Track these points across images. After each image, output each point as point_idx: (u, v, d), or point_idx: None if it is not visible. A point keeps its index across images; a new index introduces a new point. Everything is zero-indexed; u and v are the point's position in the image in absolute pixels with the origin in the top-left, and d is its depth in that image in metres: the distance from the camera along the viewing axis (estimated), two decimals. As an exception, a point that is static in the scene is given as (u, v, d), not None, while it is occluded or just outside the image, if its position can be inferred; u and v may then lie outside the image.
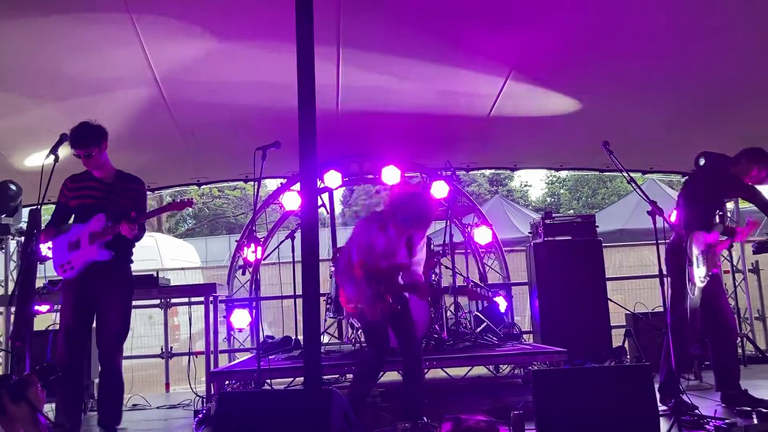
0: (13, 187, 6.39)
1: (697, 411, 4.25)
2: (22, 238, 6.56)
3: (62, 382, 4.16)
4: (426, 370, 6.07)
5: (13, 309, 6.15)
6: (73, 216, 4.48)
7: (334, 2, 4.87)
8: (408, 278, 4.57)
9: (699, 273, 4.57)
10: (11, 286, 6.65)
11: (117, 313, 4.41)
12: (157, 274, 6.05)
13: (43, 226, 4.34)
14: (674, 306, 4.60)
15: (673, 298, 4.66)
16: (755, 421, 4.03)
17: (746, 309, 7.73)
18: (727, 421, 4.00)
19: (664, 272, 4.37)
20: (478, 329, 6.53)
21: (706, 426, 3.98)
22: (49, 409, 4.76)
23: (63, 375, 4.21)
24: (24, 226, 6.45)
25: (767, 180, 4.82)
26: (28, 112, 5.85)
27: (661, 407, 4.24)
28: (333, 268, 6.59)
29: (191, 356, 6.57)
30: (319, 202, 7.45)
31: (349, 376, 6.11)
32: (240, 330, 7.34)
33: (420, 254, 4.60)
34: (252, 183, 6.51)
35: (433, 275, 6.48)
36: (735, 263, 7.72)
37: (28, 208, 6.47)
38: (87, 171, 4.49)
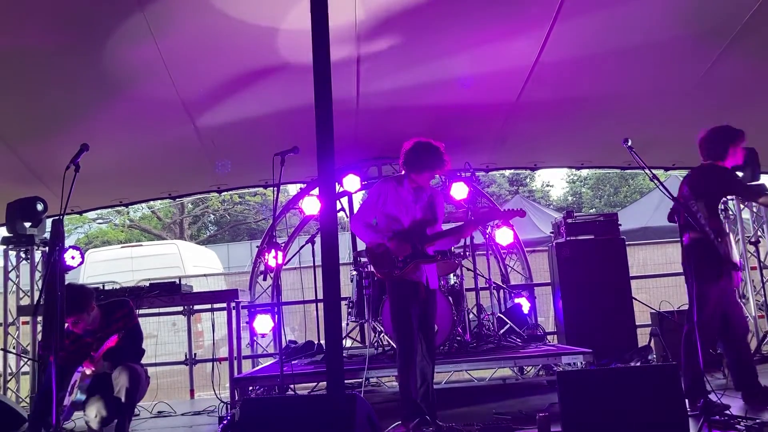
0: (39, 206, 6.51)
1: (727, 412, 4.16)
2: (47, 248, 6.64)
3: None
4: (450, 373, 6.07)
5: (40, 318, 6.25)
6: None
7: (352, 3, 4.87)
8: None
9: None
10: (37, 295, 6.74)
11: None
12: (180, 281, 6.09)
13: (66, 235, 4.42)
14: (701, 307, 4.49)
15: (700, 299, 4.55)
16: (788, 419, 3.94)
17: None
18: (758, 420, 3.91)
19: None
20: (502, 331, 6.48)
21: (737, 426, 3.89)
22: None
23: None
24: (48, 236, 6.53)
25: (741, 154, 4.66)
26: (52, 118, 5.92)
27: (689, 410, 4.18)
28: (354, 272, 6.59)
29: (215, 362, 6.60)
30: (339, 207, 7.46)
31: (373, 380, 6.11)
32: (263, 335, 7.36)
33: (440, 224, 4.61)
34: (272, 188, 6.53)
35: (455, 278, 6.45)
36: (763, 260, 7.58)
37: (51, 219, 6.56)
38: None
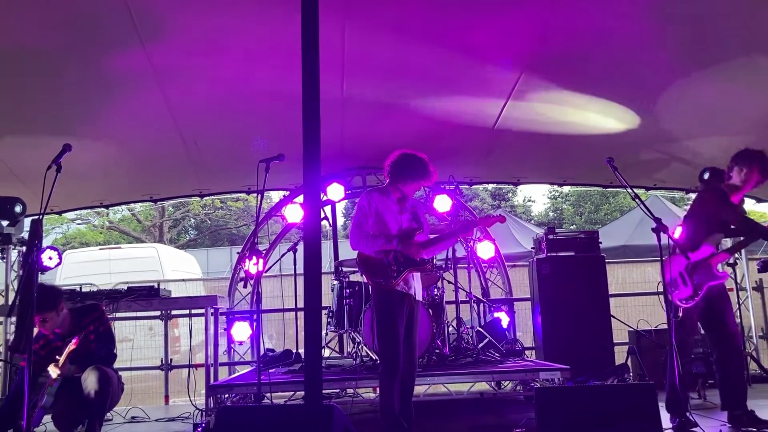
0: (17, 209, 6.42)
1: (698, 429, 4.20)
2: (24, 248, 6.55)
3: None
4: (427, 386, 6.05)
5: (13, 319, 6.15)
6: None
7: (340, 17, 4.88)
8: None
9: (679, 294, 4.53)
10: (12, 295, 6.63)
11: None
12: (158, 285, 6.03)
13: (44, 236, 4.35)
14: (677, 324, 4.53)
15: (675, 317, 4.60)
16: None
17: (750, 328, 7.68)
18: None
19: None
20: (480, 345, 6.48)
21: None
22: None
23: None
24: (26, 235, 6.44)
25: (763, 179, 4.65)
26: (32, 119, 5.84)
27: (669, 425, 4.21)
28: (335, 282, 6.56)
29: (191, 368, 6.53)
30: (322, 215, 7.44)
31: (350, 391, 6.08)
32: (240, 343, 7.29)
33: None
34: (254, 194, 6.51)
35: (436, 290, 6.46)
36: (739, 281, 7.68)
37: (30, 218, 6.47)
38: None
